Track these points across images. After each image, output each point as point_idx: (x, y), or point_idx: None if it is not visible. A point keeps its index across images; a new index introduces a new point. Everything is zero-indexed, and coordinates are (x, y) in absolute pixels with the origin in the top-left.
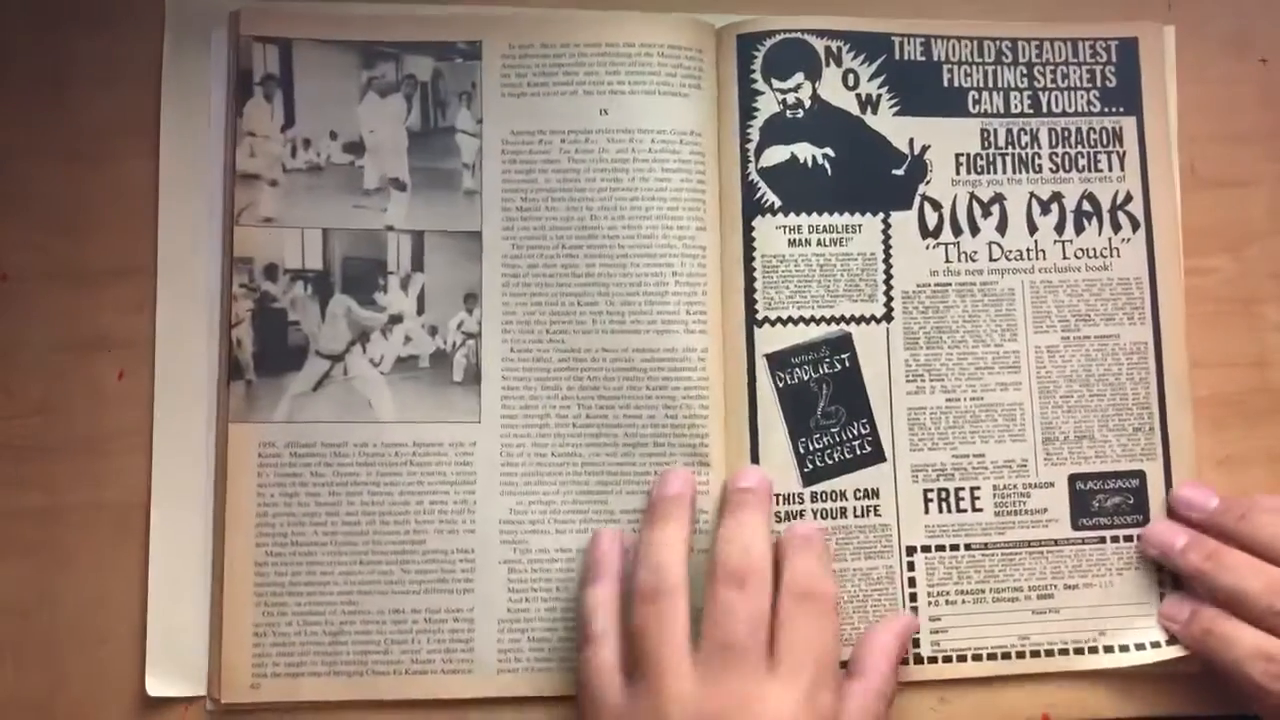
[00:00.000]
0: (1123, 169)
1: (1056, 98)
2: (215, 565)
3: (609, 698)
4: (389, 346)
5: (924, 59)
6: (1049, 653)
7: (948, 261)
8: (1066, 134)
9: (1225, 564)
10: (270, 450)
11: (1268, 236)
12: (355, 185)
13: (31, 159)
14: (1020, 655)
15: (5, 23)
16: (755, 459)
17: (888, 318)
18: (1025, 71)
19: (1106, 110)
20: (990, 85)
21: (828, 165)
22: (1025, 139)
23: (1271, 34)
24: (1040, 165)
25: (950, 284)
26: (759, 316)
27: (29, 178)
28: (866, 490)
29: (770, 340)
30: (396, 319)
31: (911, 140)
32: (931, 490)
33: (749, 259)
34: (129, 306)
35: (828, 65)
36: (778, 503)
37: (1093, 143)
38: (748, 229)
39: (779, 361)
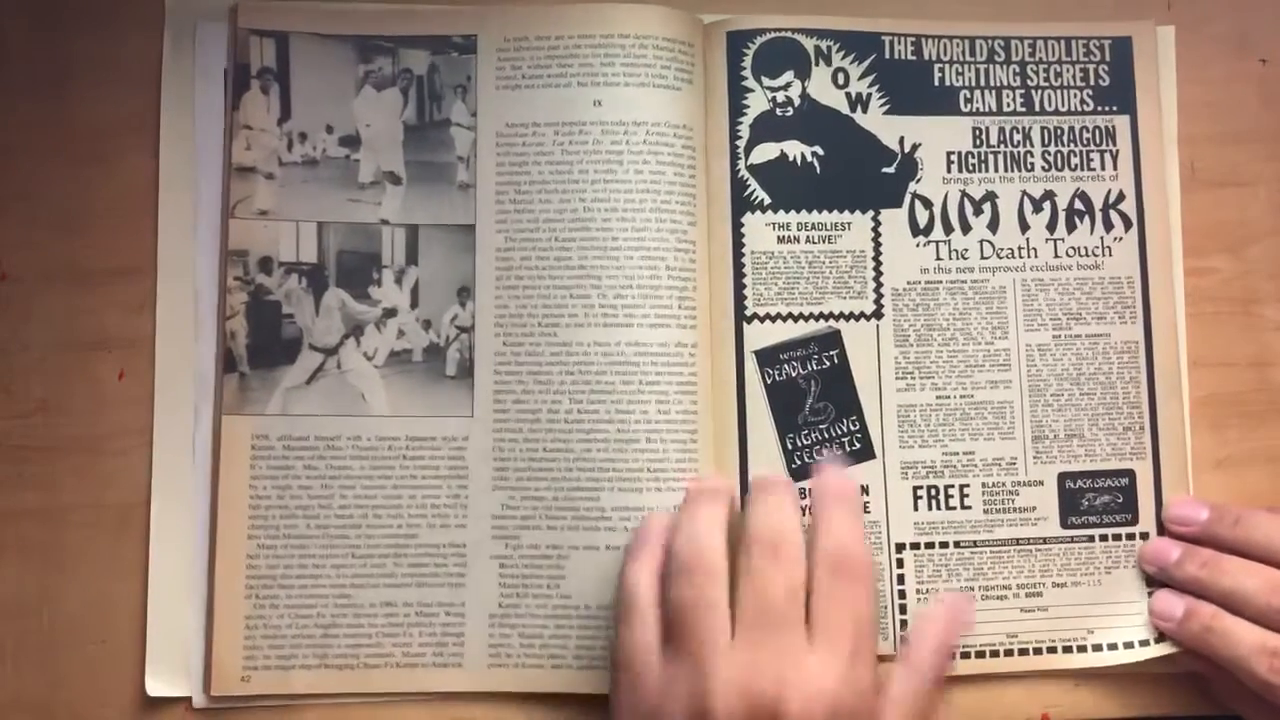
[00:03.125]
0: (1115, 168)
1: (1049, 96)
2: (210, 557)
3: (649, 675)
4: (383, 340)
5: (914, 58)
6: (1037, 650)
7: (938, 259)
8: (1059, 132)
9: (1222, 569)
10: (263, 442)
11: (1268, 236)
12: (351, 179)
13: (31, 159)
14: (1009, 653)
15: (5, 23)
16: (743, 454)
17: (877, 315)
18: (1018, 70)
19: (1099, 109)
20: (982, 84)
21: (816, 163)
22: (1017, 137)
23: (1271, 34)
24: (1032, 164)
25: (941, 281)
26: (748, 313)
27: (29, 178)
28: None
29: (759, 337)
30: (391, 313)
31: (902, 138)
32: (921, 487)
33: (738, 255)
34: (129, 306)
35: (817, 64)
36: None
37: (1085, 141)
38: (737, 225)
39: (767, 358)
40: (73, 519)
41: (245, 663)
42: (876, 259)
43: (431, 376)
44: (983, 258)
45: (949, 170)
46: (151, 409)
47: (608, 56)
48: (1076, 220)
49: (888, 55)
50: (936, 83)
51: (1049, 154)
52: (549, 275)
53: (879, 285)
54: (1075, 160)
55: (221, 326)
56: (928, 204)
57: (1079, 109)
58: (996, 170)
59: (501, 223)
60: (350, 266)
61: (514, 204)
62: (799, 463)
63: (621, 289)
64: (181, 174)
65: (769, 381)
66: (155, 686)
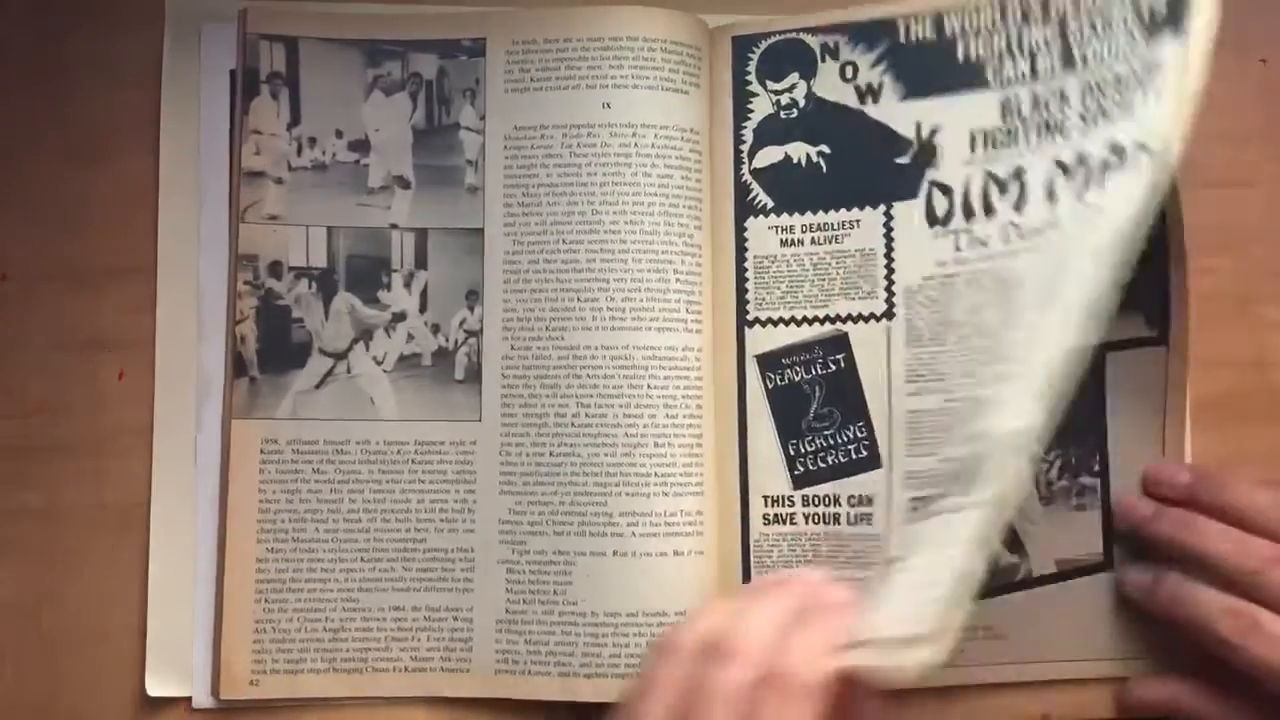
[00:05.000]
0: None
1: (1094, 46)
2: (219, 561)
3: None
4: (392, 344)
5: (934, 37)
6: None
7: (958, 250)
8: (1101, 86)
9: (1194, 529)
10: (273, 447)
11: (1268, 236)
12: (360, 183)
13: (31, 159)
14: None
15: (5, 23)
16: (744, 460)
17: (888, 315)
18: (1058, 28)
19: (1150, 37)
20: (1015, 49)
21: (823, 163)
22: (1053, 103)
23: (1271, 34)
24: (1068, 127)
25: (958, 275)
26: (750, 317)
27: (29, 177)
28: (860, 497)
29: (761, 341)
30: (400, 317)
31: (918, 124)
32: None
33: (740, 260)
34: (129, 306)
35: (823, 60)
36: (766, 504)
37: (1131, 86)
38: (739, 230)
39: (769, 362)
40: (73, 519)
41: (254, 666)
42: (888, 256)
43: (440, 381)
44: (1006, 244)
45: (972, 150)
46: (152, 409)
47: (617, 59)
48: (1106, 174)
49: (903, 39)
50: (961, 59)
51: (1088, 112)
52: (557, 278)
53: (890, 284)
54: (1116, 111)
55: (231, 331)
56: (946, 190)
57: (1127, 45)
58: (1027, 143)
59: (510, 226)
60: (360, 271)
61: (522, 206)
62: (802, 469)
63: (630, 292)
64: (183, 174)
65: (770, 387)
66: (155, 686)
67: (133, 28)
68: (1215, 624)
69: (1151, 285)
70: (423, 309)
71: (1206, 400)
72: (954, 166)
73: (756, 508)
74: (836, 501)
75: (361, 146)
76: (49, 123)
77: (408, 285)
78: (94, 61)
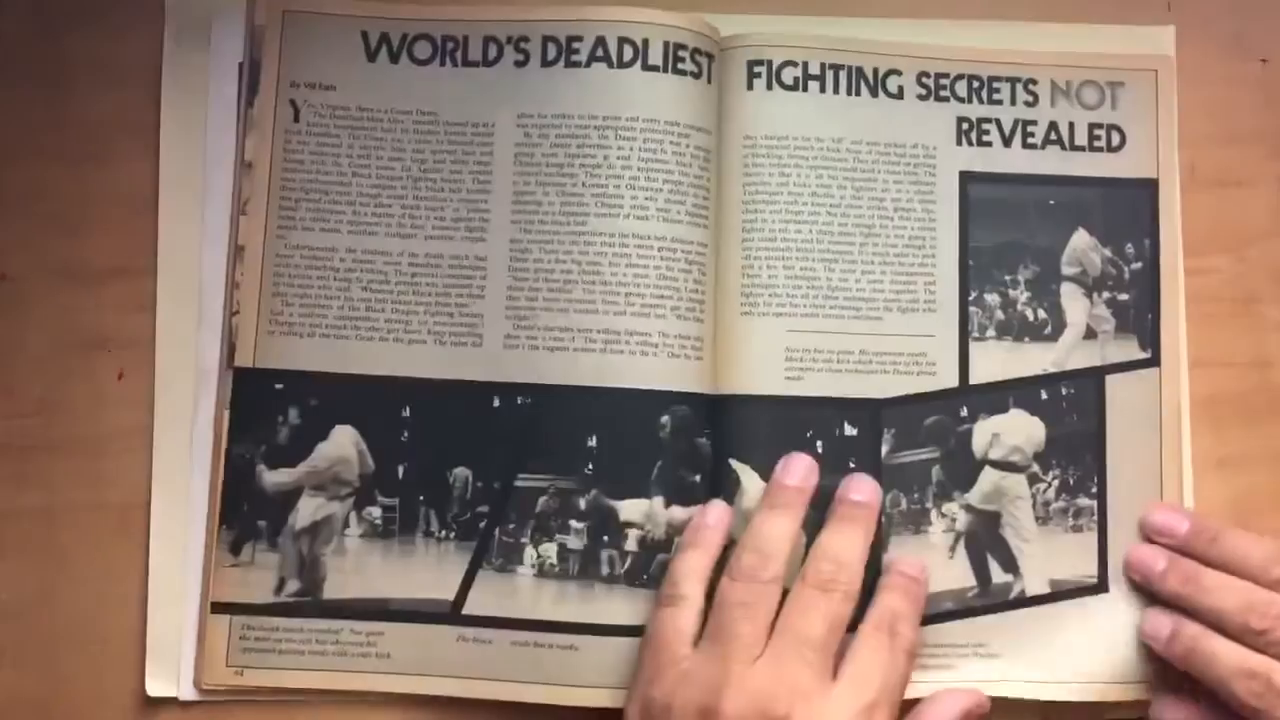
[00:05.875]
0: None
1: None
2: (207, 554)
3: (678, 655)
4: None
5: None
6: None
7: None
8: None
9: (1204, 586)
10: None
11: (1268, 236)
12: None
13: (31, 159)
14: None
15: (5, 23)
16: None
17: None
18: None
19: None
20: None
21: None
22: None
23: (1271, 34)
24: None
25: None
26: None
27: (29, 178)
28: None
29: None
30: None
31: None
32: None
33: None
34: (129, 306)
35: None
36: None
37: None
38: None
39: None
40: (73, 519)
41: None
42: None
43: None
44: None
45: None
46: (151, 409)
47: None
48: None
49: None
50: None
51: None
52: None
53: None
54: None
55: (228, 322)
56: None
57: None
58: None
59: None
60: None
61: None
62: None
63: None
64: (184, 172)
65: None
66: (155, 686)
67: (132, 28)
68: (1232, 685)
69: (1143, 309)
70: None
71: (1206, 400)
72: None
73: None
74: None
75: None
76: (49, 123)
77: None
78: (94, 61)
